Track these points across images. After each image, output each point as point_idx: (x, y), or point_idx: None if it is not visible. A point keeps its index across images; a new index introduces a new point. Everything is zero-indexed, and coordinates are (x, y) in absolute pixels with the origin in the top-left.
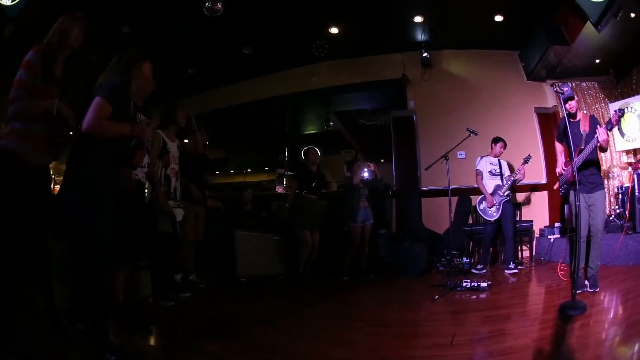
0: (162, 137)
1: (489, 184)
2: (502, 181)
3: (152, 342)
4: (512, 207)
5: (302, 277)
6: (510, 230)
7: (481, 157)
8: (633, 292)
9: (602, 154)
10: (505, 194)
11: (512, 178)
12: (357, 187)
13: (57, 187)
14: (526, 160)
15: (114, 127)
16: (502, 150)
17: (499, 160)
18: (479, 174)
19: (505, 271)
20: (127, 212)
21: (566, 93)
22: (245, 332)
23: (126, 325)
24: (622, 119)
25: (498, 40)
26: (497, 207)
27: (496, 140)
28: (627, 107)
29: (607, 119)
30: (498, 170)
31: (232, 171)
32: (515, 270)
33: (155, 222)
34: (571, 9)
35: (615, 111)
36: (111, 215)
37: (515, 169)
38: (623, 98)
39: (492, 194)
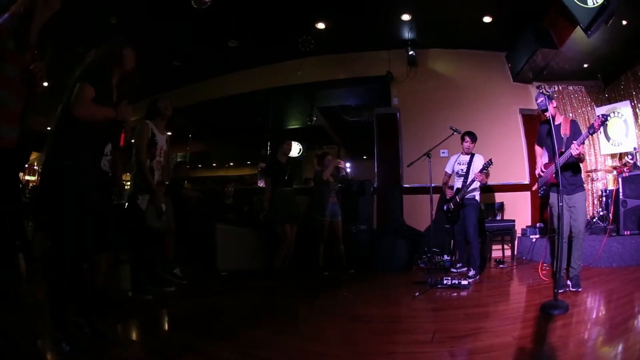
0: (150, 128)
1: (456, 185)
2: (463, 185)
3: (133, 336)
4: (473, 207)
5: (279, 273)
6: (470, 232)
7: (452, 157)
8: (616, 293)
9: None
10: (469, 196)
11: (470, 185)
12: (326, 181)
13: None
14: (484, 167)
15: (99, 111)
16: (470, 145)
17: (471, 156)
18: (445, 174)
19: (462, 281)
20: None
21: (540, 104)
22: (226, 326)
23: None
24: (606, 123)
25: (485, 41)
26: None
27: (462, 136)
28: (613, 112)
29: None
30: (464, 171)
31: (214, 164)
32: (472, 280)
33: (140, 215)
34: (561, 13)
35: (599, 116)
36: (85, 212)
37: (474, 176)
38: (610, 103)
39: (453, 196)
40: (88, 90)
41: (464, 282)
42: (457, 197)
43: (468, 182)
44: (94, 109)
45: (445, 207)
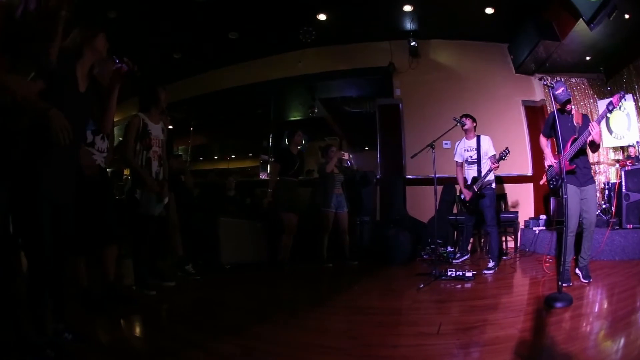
0: (141, 120)
1: (468, 173)
2: (479, 173)
3: (134, 330)
4: (491, 197)
5: (283, 264)
6: (489, 222)
7: (457, 144)
8: (619, 286)
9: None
10: (486, 186)
11: (487, 175)
12: (331, 173)
13: None
14: (501, 156)
15: (33, 100)
16: (472, 125)
17: (477, 138)
18: (457, 164)
19: (484, 271)
20: (92, 200)
21: (563, 95)
22: (229, 319)
23: (90, 309)
24: (621, 104)
25: (488, 33)
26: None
27: (461, 121)
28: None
29: (595, 116)
30: (475, 157)
31: (215, 157)
32: (493, 271)
33: (139, 206)
34: (564, 5)
35: (619, 93)
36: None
37: (490, 164)
38: (612, 96)
39: (470, 186)
40: (33, 83)
41: (468, 274)
42: (474, 186)
43: (485, 173)
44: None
45: (462, 197)
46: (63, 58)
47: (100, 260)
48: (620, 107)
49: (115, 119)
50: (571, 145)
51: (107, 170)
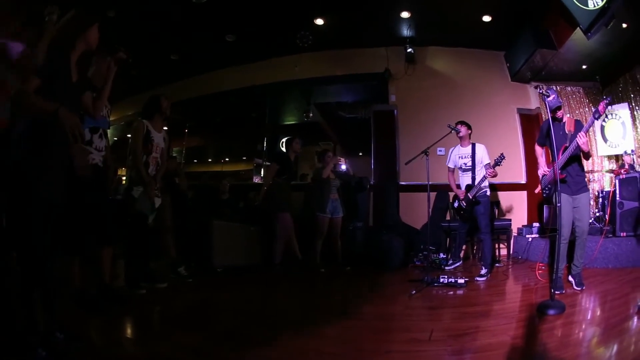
0: (145, 126)
1: (462, 180)
2: (473, 180)
3: (126, 332)
4: (485, 204)
5: (280, 267)
6: (483, 229)
7: (451, 150)
8: (612, 294)
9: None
10: (480, 192)
11: (482, 182)
12: (327, 178)
13: None
14: (497, 162)
15: (37, 102)
16: (467, 133)
17: (472, 146)
18: (449, 170)
19: (476, 278)
20: (87, 199)
21: (553, 102)
22: (223, 323)
23: (85, 309)
24: (607, 111)
25: (484, 40)
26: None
27: (456, 128)
28: (611, 114)
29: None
30: (469, 164)
31: (209, 160)
32: (485, 278)
33: (131, 206)
34: (561, 14)
35: (604, 98)
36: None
37: (485, 172)
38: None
39: (465, 193)
40: (31, 80)
41: (460, 281)
42: (469, 194)
43: (479, 180)
44: (28, 98)
45: (456, 205)
46: (58, 52)
47: (95, 260)
48: (614, 115)
49: (111, 119)
50: (562, 153)
51: (114, 167)
